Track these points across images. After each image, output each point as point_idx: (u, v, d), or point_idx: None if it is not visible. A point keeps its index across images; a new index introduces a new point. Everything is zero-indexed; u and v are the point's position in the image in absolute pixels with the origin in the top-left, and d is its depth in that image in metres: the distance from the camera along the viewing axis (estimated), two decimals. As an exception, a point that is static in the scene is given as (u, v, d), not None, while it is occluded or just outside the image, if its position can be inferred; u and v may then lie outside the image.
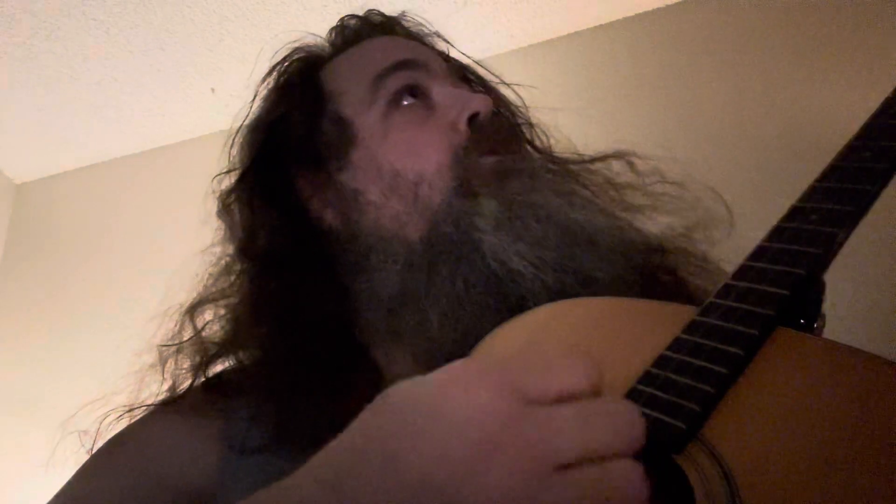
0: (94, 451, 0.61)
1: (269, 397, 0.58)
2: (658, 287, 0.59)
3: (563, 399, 0.33)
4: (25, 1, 1.38)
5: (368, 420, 0.34)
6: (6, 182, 1.88)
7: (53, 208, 1.84)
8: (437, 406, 0.32)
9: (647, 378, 0.41)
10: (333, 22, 0.78)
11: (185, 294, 0.68)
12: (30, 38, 1.47)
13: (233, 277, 0.68)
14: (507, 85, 0.80)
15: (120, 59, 1.52)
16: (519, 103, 0.79)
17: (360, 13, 0.77)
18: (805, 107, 1.19)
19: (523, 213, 0.59)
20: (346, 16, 0.77)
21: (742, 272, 0.45)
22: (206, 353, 0.65)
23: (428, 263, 0.59)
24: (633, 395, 0.41)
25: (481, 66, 0.79)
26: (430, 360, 0.53)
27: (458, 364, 0.34)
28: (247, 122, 0.73)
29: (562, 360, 0.35)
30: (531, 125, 0.78)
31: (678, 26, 1.36)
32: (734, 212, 0.64)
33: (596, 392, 0.34)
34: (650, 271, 0.60)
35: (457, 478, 0.29)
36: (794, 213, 0.46)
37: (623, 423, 0.33)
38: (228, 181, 0.71)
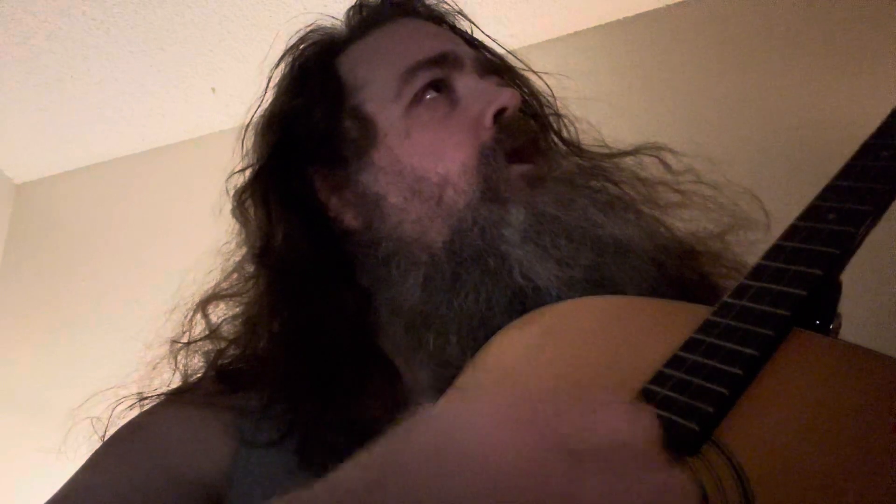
0: (105, 439, 0.60)
1: (281, 392, 0.57)
2: (690, 295, 0.57)
3: (607, 452, 0.29)
4: (25, 1, 1.38)
5: (393, 447, 0.30)
6: (6, 182, 1.87)
7: (53, 208, 1.84)
8: (471, 448, 0.28)
9: (659, 378, 0.41)
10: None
11: (194, 292, 0.67)
12: (30, 38, 1.46)
13: (247, 276, 0.66)
14: (536, 73, 0.76)
15: (120, 59, 1.52)
16: (546, 92, 0.76)
17: None
18: (812, 105, 1.19)
19: (555, 229, 0.57)
20: None
21: (758, 272, 0.44)
22: (218, 346, 0.64)
23: (451, 275, 0.57)
24: (645, 395, 0.40)
25: (506, 50, 0.76)
26: (447, 375, 0.52)
27: (495, 397, 0.31)
28: (261, 112, 0.70)
29: (611, 405, 0.30)
30: (558, 115, 0.75)
31: (680, 26, 1.36)
32: (768, 213, 0.63)
33: (648, 450, 0.29)
34: (682, 279, 0.59)
35: None
36: (811, 211, 0.45)
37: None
38: (242, 178, 0.69)
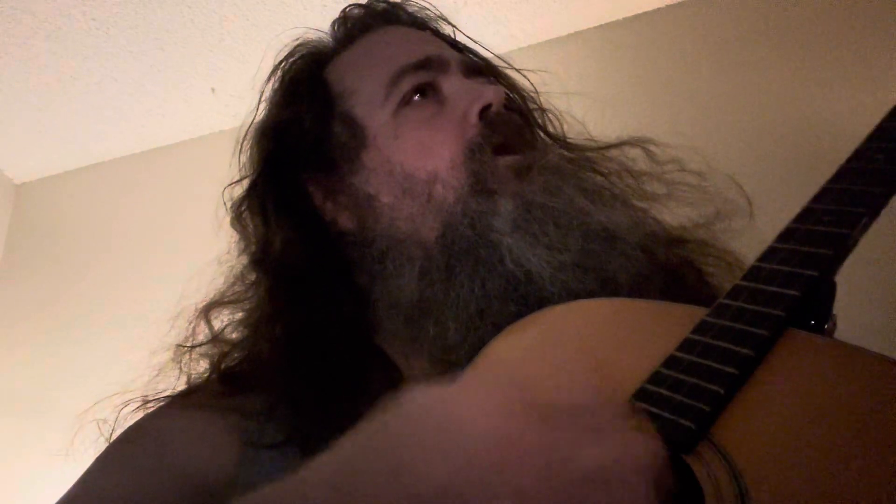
0: (111, 442, 0.60)
1: (285, 395, 0.58)
2: (679, 281, 0.59)
3: (575, 414, 0.32)
4: (25, 1, 1.38)
5: (378, 424, 0.33)
6: (6, 182, 1.87)
7: (53, 208, 1.83)
8: (450, 418, 0.31)
9: (656, 378, 0.41)
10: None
11: (196, 297, 0.68)
12: (30, 38, 1.46)
13: (248, 284, 0.67)
14: (518, 70, 0.78)
15: (120, 59, 1.52)
16: (530, 89, 0.77)
17: (363, 1, 0.75)
18: (809, 105, 1.19)
19: (543, 216, 0.58)
20: (349, 5, 0.75)
21: (753, 273, 0.45)
22: (222, 351, 0.65)
23: (446, 267, 0.58)
24: (641, 394, 0.41)
25: (487, 50, 0.77)
26: (448, 367, 0.53)
27: (470, 374, 0.34)
28: (254, 125, 0.71)
29: (574, 373, 0.34)
30: (543, 110, 0.77)
31: (680, 26, 1.36)
32: (753, 203, 0.64)
33: (610, 408, 0.33)
34: (671, 266, 0.60)
35: (467, 492, 0.29)
36: (806, 214, 0.46)
37: (638, 448, 0.32)
38: (239, 189, 0.70)
